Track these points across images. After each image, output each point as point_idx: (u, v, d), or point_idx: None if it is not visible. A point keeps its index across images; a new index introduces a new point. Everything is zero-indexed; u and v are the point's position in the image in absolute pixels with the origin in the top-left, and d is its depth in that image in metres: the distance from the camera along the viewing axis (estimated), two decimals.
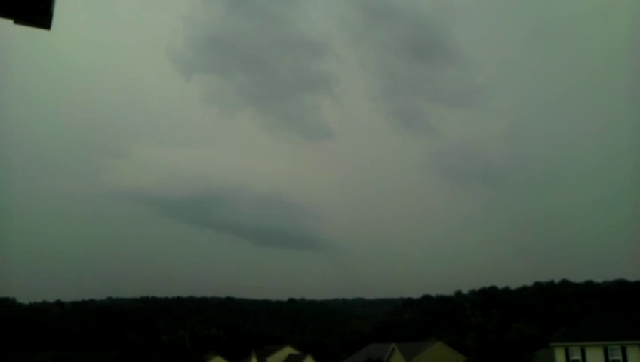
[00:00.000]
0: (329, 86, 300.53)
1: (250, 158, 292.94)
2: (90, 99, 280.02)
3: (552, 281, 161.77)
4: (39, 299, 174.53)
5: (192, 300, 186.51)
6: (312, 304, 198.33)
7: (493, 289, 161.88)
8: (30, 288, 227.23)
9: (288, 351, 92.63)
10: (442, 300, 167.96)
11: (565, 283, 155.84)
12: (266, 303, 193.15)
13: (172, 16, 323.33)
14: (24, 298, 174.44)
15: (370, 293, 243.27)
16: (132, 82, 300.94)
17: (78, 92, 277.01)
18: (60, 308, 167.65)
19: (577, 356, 45.01)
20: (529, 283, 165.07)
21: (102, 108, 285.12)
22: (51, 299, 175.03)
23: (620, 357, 42.20)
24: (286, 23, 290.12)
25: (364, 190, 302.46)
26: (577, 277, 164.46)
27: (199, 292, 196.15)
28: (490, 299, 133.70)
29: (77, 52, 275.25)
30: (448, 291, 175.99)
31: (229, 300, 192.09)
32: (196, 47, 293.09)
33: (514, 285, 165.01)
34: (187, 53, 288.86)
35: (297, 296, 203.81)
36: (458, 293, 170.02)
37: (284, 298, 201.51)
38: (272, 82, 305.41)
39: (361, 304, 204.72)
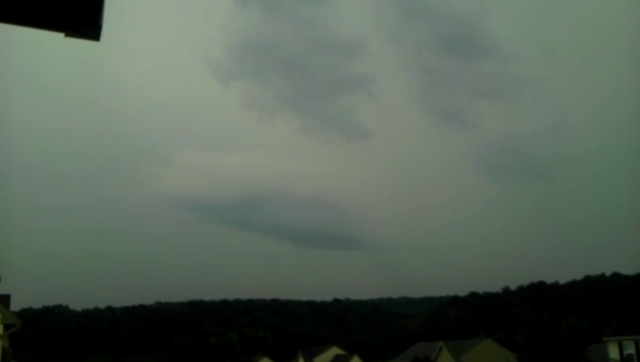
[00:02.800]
0: (366, 86, 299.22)
1: (291, 161, 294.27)
2: (136, 109, 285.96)
3: (602, 274, 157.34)
4: (91, 306, 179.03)
5: (238, 302, 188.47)
6: (357, 304, 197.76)
7: (541, 284, 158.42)
8: (82, 295, 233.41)
9: (335, 351, 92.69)
10: (489, 297, 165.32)
11: (616, 276, 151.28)
12: (311, 304, 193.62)
13: (210, 26, 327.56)
14: (76, 304, 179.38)
15: (415, 292, 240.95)
16: (175, 92, 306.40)
17: (124, 102, 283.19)
18: (111, 313, 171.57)
19: (631, 350, 43.67)
20: (579, 277, 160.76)
21: (147, 118, 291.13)
22: (102, 305, 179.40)
23: None
24: (321, 25, 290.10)
25: (405, 188, 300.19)
26: (629, 269, 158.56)
27: (245, 295, 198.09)
28: (538, 294, 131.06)
29: (122, 63, 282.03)
30: (495, 287, 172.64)
31: (275, 302, 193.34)
32: (234, 55, 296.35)
33: (563, 279, 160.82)
34: (225, 60, 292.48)
35: (342, 296, 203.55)
36: (505, 290, 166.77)
37: (329, 298, 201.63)
38: (309, 85, 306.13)
39: (406, 302, 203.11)
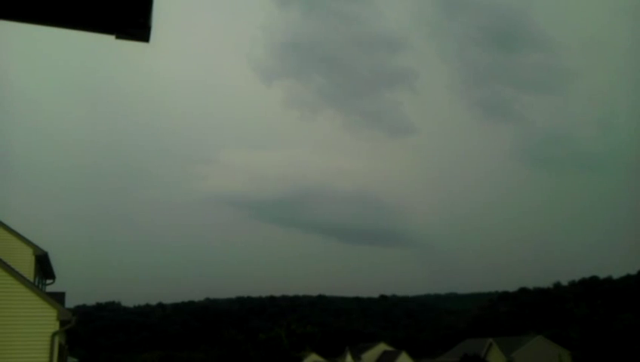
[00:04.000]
0: (409, 81, 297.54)
1: (334, 158, 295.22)
2: (181, 110, 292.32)
3: None
4: (142, 302, 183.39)
5: (284, 299, 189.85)
6: (404, 300, 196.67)
7: (594, 279, 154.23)
8: (134, 292, 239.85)
9: (382, 347, 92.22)
10: (540, 292, 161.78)
11: None
12: (357, 300, 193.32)
13: (251, 26, 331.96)
14: (129, 301, 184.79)
15: (463, 288, 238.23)
16: (218, 91, 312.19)
17: (169, 102, 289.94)
18: (161, 309, 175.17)
19: None
20: (632, 271, 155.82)
21: (191, 117, 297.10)
22: (153, 301, 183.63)
23: None
24: (361, 21, 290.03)
25: (451, 183, 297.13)
26: None
27: (291, 291, 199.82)
28: (591, 289, 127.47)
29: (166, 65, 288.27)
30: (546, 283, 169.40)
31: (321, 298, 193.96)
32: (275, 54, 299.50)
33: (616, 274, 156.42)
34: (267, 60, 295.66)
35: (388, 293, 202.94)
36: (557, 285, 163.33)
37: (375, 295, 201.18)
38: (350, 82, 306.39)
39: (454, 298, 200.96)
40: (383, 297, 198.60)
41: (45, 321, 19.78)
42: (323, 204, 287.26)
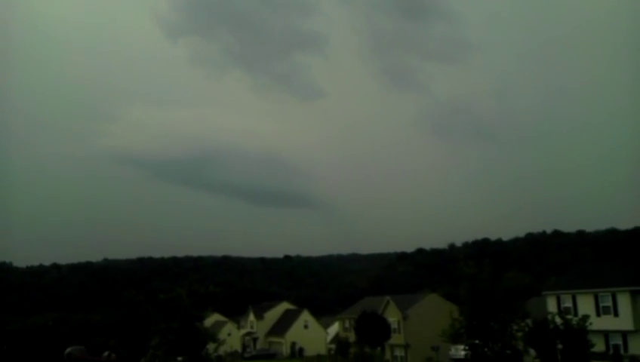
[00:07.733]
0: (319, 46, 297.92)
1: (242, 119, 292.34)
2: (84, 64, 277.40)
3: (544, 232, 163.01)
4: (35, 263, 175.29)
5: (188, 260, 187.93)
6: (308, 260, 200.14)
7: (485, 240, 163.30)
8: (26, 252, 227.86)
9: (285, 306, 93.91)
10: (436, 253, 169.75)
11: (557, 234, 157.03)
12: (262, 261, 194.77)
13: None
14: (21, 261, 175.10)
15: (365, 249, 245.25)
16: (122, 47, 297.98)
17: (71, 57, 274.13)
18: (56, 270, 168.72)
19: (569, 303, 45.77)
20: (521, 234, 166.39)
21: (94, 73, 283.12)
22: (47, 262, 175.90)
23: (610, 304, 42.92)
24: None
25: (356, 148, 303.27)
26: (569, 227, 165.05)
27: (195, 252, 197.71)
28: (482, 250, 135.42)
29: (68, 16, 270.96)
30: (442, 244, 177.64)
31: (225, 259, 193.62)
32: (181, 9, 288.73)
33: (506, 237, 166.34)
34: (172, 16, 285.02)
35: (292, 253, 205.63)
36: (451, 246, 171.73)
37: (280, 255, 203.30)
38: (260, 43, 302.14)
39: (355, 259, 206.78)
40: (287, 257, 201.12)
41: None
42: (230, 165, 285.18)
